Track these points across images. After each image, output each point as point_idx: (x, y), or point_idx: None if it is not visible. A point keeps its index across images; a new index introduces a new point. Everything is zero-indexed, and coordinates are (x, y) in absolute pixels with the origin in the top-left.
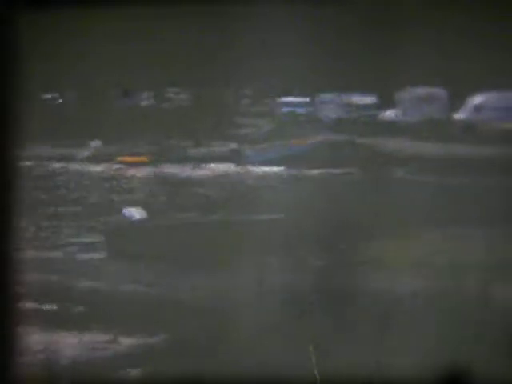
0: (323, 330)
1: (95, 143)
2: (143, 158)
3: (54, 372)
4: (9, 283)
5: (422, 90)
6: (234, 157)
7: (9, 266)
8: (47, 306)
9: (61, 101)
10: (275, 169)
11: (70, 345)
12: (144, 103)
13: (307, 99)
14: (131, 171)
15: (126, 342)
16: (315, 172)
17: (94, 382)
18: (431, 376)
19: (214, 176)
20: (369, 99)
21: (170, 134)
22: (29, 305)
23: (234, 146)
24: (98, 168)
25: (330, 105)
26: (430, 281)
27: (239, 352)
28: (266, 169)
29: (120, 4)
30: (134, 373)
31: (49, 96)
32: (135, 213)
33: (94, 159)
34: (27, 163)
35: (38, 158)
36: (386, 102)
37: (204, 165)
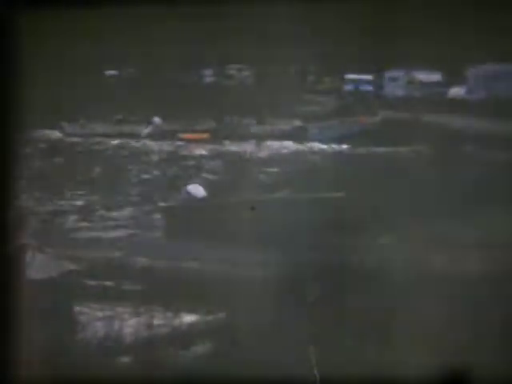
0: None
1: (156, 120)
2: (205, 135)
3: (113, 347)
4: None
5: (489, 67)
6: (297, 134)
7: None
8: (108, 283)
9: (122, 78)
10: (340, 147)
11: (129, 321)
12: (206, 80)
13: (373, 77)
14: (193, 148)
15: (186, 319)
16: (381, 150)
17: (154, 357)
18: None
19: (277, 154)
20: (435, 77)
21: (233, 111)
22: (90, 282)
23: (297, 123)
24: (158, 145)
25: (396, 82)
26: (494, 261)
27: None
28: (331, 146)
29: (122, 4)
30: (194, 350)
31: (110, 73)
32: (196, 191)
33: (155, 136)
34: (88, 140)
35: (98, 136)
36: (453, 80)
37: (267, 142)
